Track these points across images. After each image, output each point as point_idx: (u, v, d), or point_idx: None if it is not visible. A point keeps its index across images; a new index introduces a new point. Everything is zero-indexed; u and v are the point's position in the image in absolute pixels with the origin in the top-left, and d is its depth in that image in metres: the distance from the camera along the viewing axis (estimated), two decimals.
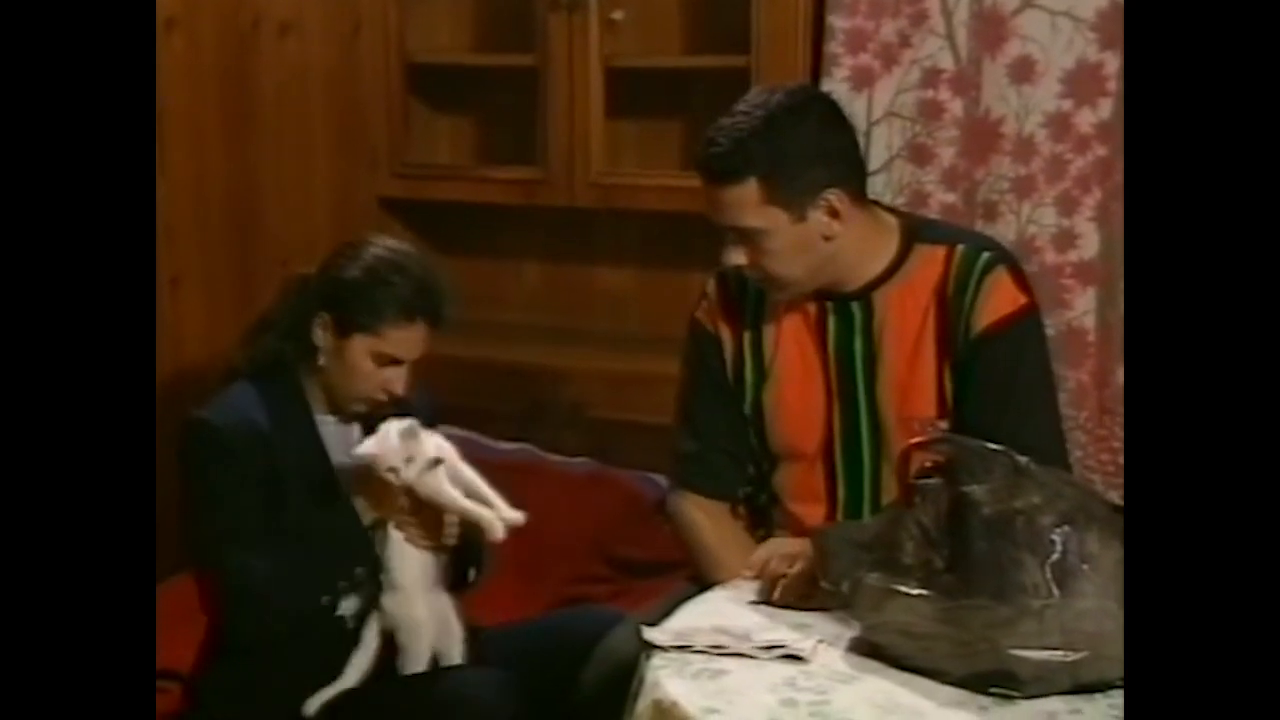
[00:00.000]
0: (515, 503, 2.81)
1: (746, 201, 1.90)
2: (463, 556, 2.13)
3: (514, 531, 2.72)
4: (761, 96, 1.96)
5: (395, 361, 2.06)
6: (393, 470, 1.98)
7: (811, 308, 2.02)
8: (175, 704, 2.22)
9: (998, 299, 1.93)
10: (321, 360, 2.08)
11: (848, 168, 1.95)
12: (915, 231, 2.02)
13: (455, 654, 2.08)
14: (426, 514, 2.04)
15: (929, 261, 1.98)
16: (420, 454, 1.99)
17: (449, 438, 2.83)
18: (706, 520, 2.07)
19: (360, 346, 2.05)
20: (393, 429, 2.00)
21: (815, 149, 1.91)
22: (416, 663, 2.05)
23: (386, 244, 2.13)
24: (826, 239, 1.93)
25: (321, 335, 2.07)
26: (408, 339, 2.06)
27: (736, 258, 1.96)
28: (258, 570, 1.98)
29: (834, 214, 1.92)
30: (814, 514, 2.03)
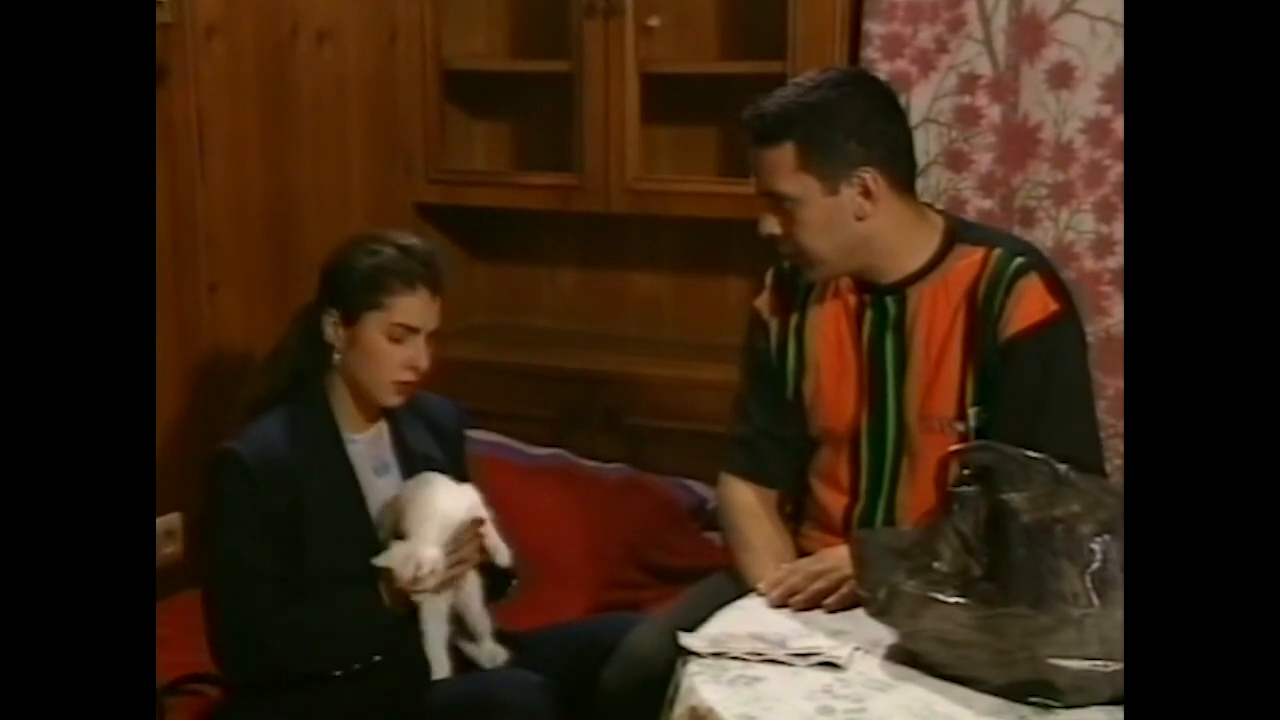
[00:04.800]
0: (549, 508, 2.85)
1: (782, 165, 1.93)
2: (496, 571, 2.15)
3: (547, 536, 2.76)
4: (818, 72, 2.03)
5: (410, 333, 2.07)
6: (418, 580, 2.00)
7: (852, 300, 2.04)
8: (213, 707, 2.24)
9: (1028, 305, 1.93)
10: (337, 358, 2.10)
11: (889, 153, 1.97)
12: (957, 232, 2.03)
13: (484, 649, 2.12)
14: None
15: (965, 262, 1.98)
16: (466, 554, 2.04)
17: (483, 442, 2.87)
18: (746, 504, 2.10)
19: (372, 326, 2.07)
20: (460, 510, 2.05)
21: (856, 125, 1.94)
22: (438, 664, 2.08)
23: (368, 232, 2.17)
24: (859, 219, 1.95)
25: (334, 332, 2.09)
26: (414, 306, 2.07)
27: (770, 227, 1.99)
28: (256, 617, 2.00)
29: (867, 194, 1.94)
30: (835, 502, 2.07)
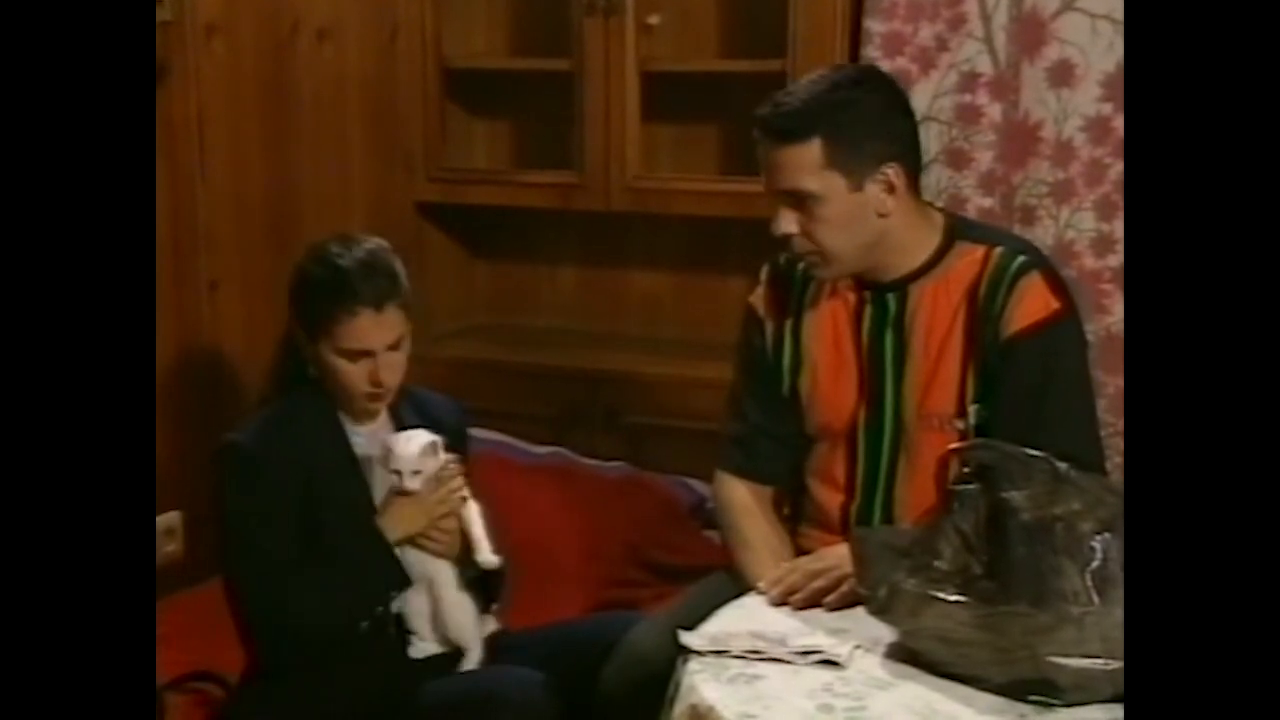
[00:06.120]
0: (549, 506, 2.85)
1: (808, 163, 1.91)
2: (484, 586, 2.17)
3: (547, 535, 2.77)
4: (828, 70, 2.02)
5: (364, 354, 2.07)
6: (397, 473, 2.05)
7: (851, 297, 2.04)
8: (215, 705, 2.24)
9: (1029, 304, 1.93)
10: (311, 369, 2.11)
11: (907, 149, 1.98)
12: (958, 230, 2.03)
13: (471, 640, 2.12)
14: (445, 525, 2.10)
15: (966, 260, 1.98)
16: (429, 470, 2.06)
17: (484, 441, 2.87)
18: (744, 502, 2.10)
19: (325, 349, 2.08)
20: (417, 438, 2.07)
21: (879, 121, 1.94)
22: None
23: (337, 244, 2.12)
24: (880, 215, 1.95)
25: (304, 347, 2.11)
26: (357, 330, 2.05)
27: (788, 225, 1.96)
28: (285, 598, 2.01)
29: (891, 189, 1.94)
30: (832, 500, 2.07)
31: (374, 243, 2.14)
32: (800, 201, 1.94)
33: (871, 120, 1.93)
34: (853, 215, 1.94)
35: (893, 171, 1.94)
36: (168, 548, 2.65)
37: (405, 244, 2.22)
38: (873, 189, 1.93)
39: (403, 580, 2.07)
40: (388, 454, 2.07)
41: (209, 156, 2.76)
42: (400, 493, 2.06)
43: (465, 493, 2.12)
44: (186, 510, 2.66)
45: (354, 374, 2.07)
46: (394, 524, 2.06)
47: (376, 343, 2.06)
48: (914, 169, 1.99)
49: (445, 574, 2.11)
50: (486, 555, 2.09)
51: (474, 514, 2.12)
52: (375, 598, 2.07)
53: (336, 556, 2.04)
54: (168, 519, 2.65)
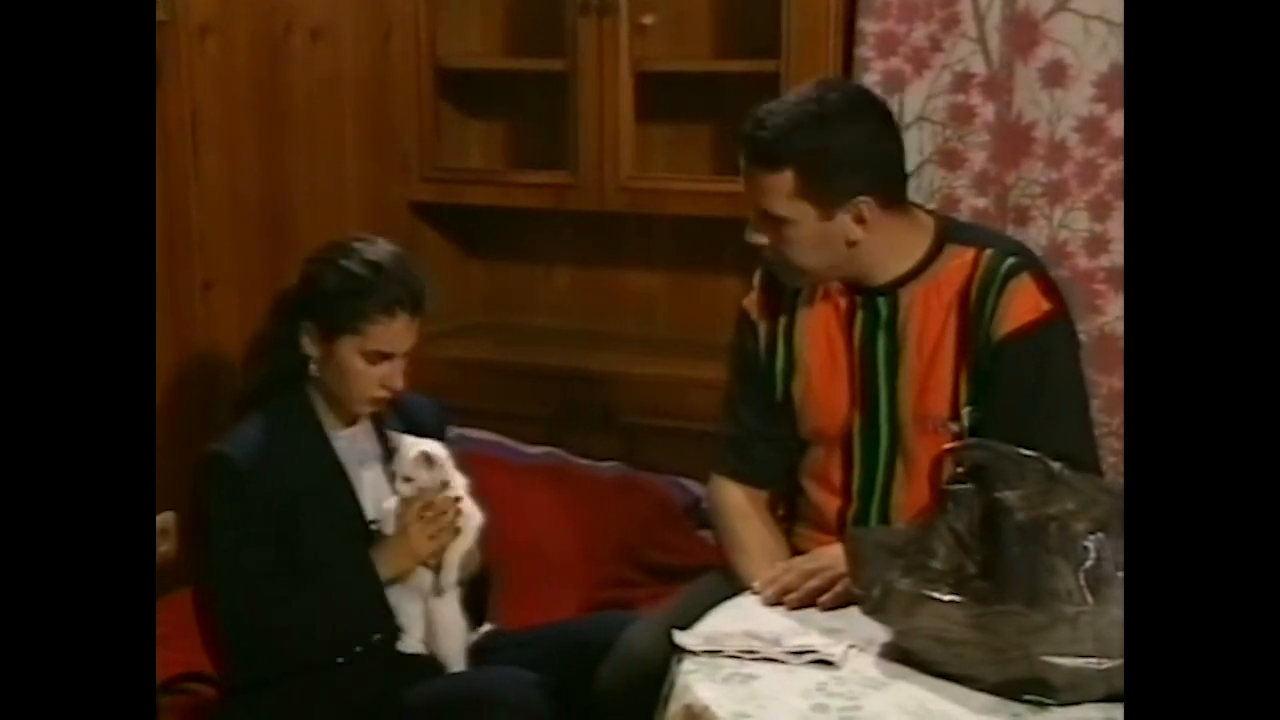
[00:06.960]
0: (544, 506, 2.85)
1: (779, 190, 1.93)
2: (473, 602, 2.17)
3: (542, 535, 2.77)
4: (818, 90, 1.98)
5: (386, 356, 2.07)
6: (392, 473, 2.08)
7: (843, 301, 2.04)
8: (207, 706, 2.24)
9: (1020, 306, 1.94)
10: (314, 369, 2.10)
11: (886, 177, 1.98)
12: (948, 232, 2.04)
13: (456, 657, 2.12)
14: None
15: (957, 263, 1.99)
16: (422, 481, 2.07)
17: (478, 441, 2.87)
18: (738, 505, 2.11)
19: (348, 348, 2.06)
20: (418, 445, 2.08)
21: (859, 155, 1.93)
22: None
23: (361, 243, 2.12)
24: (850, 243, 1.96)
25: (310, 344, 2.09)
26: (390, 333, 2.06)
27: (758, 237, 1.99)
28: (263, 617, 2.00)
29: (861, 220, 1.94)
30: (829, 503, 2.07)
31: (392, 246, 2.14)
32: (771, 220, 1.95)
33: (850, 153, 1.92)
34: (821, 240, 1.95)
35: (865, 206, 1.94)
36: (161, 548, 2.65)
37: (400, 244, 2.21)
38: (843, 218, 1.94)
39: (391, 626, 2.06)
40: (394, 451, 2.09)
41: (202, 157, 2.75)
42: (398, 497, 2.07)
43: (459, 523, 2.11)
44: (179, 511, 2.65)
45: (369, 377, 2.07)
46: (389, 560, 2.06)
47: (402, 347, 2.08)
48: (894, 193, 1.99)
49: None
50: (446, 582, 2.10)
51: (467, 535, 2.11)
52: (359, 638, 2.05)
53: (321, 571, 2.03)
54: (161, 519, 2.65)
